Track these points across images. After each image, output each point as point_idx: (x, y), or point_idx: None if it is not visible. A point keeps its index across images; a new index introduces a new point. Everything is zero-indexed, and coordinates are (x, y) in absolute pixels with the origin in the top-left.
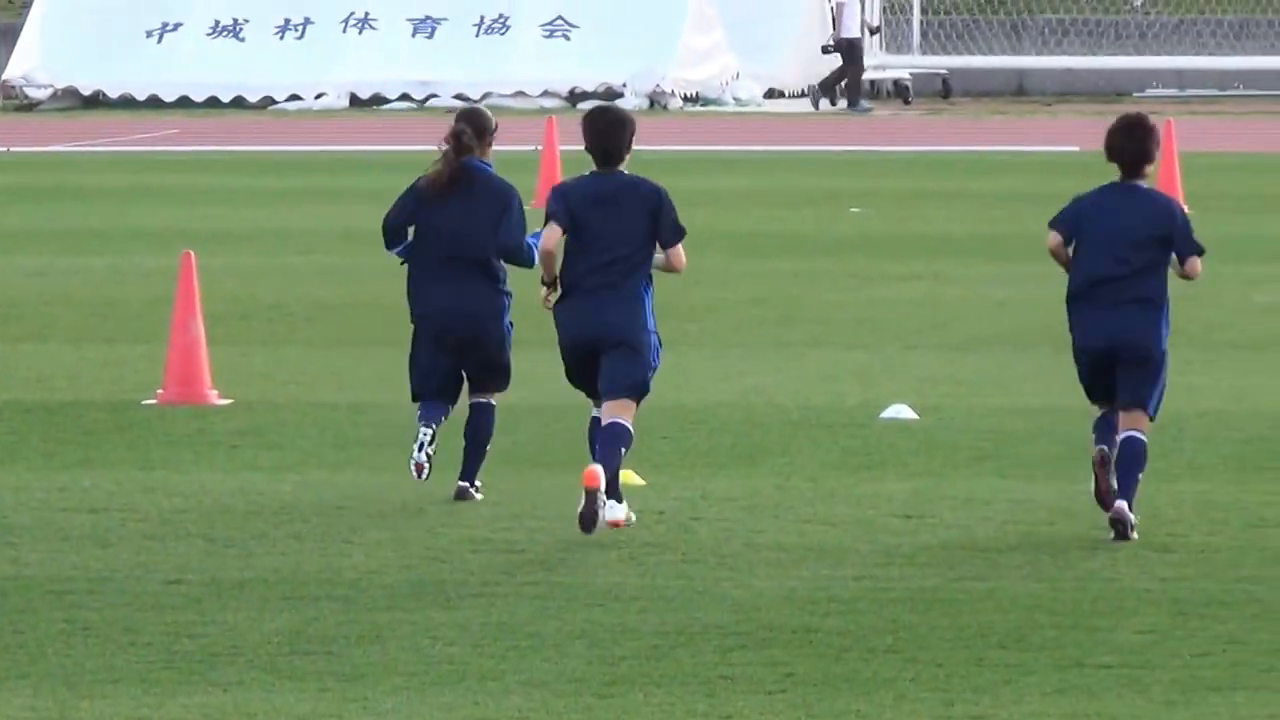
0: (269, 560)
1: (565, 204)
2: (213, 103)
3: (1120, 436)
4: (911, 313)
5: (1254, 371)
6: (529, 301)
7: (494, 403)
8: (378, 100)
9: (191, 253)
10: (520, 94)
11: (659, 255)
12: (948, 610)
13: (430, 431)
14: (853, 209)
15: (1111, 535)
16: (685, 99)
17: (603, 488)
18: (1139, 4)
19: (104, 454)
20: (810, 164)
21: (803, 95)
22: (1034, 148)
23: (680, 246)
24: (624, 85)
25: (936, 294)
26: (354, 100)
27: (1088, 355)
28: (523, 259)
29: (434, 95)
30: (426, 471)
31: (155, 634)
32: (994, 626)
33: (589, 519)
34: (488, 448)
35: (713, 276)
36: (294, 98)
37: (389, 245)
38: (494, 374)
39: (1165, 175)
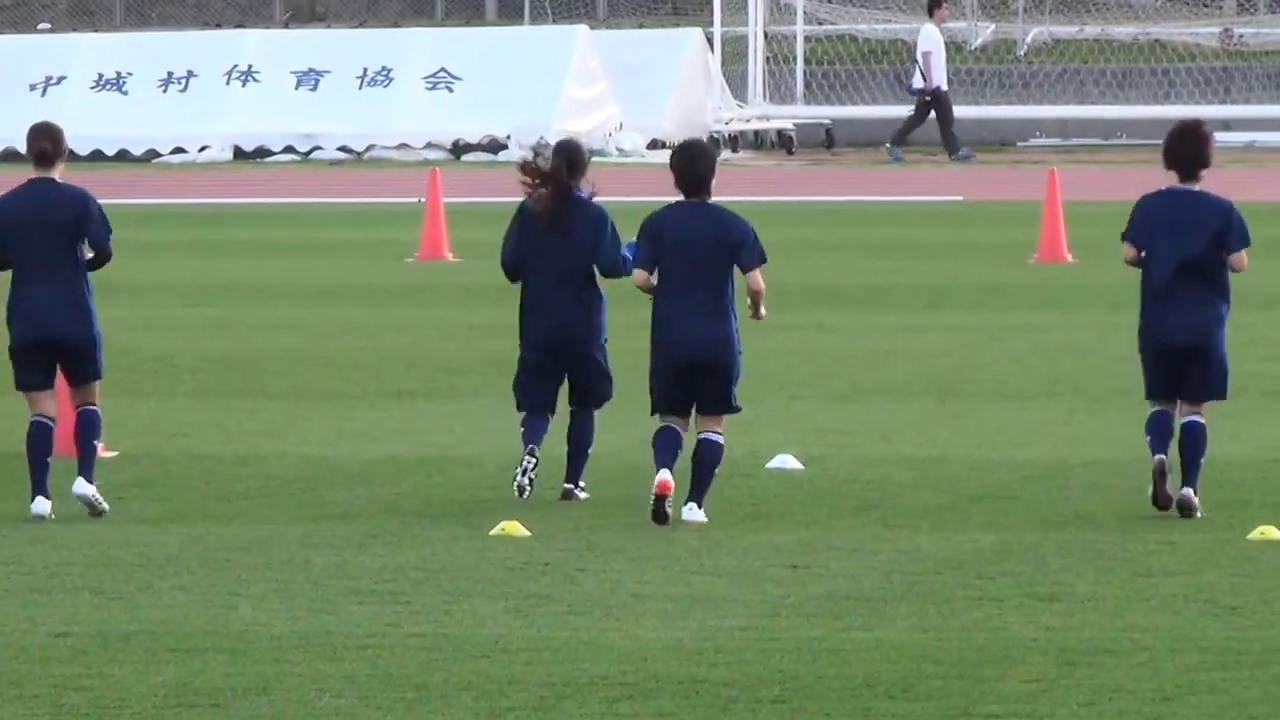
0: (155, 613)
1: None
2: (97, 156)
3: (1182, 421)
4: (795, 363)
5: (1140, 420)
6: (419, 354)
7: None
8: (262, 153)
9: None
10: (404, 146)
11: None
12: (834, 660)
13: (534, 460)
14: None
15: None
16: None
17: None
18: (1022, 53)
19: None
20: None
21: None
22: (918, 197)
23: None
24: (508, 137)
25: (820, 344)
26: (238, 153)
27: (1157, 352)
28: (620, 272)
29: (318, 147)
30: (528, 493)
31: (42, 687)
32: (881, 676)
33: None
34: (589, 451)
35: None
36: (178, 150)
37: (513, 279)
38: (596, 386)
39: (1049, 224)
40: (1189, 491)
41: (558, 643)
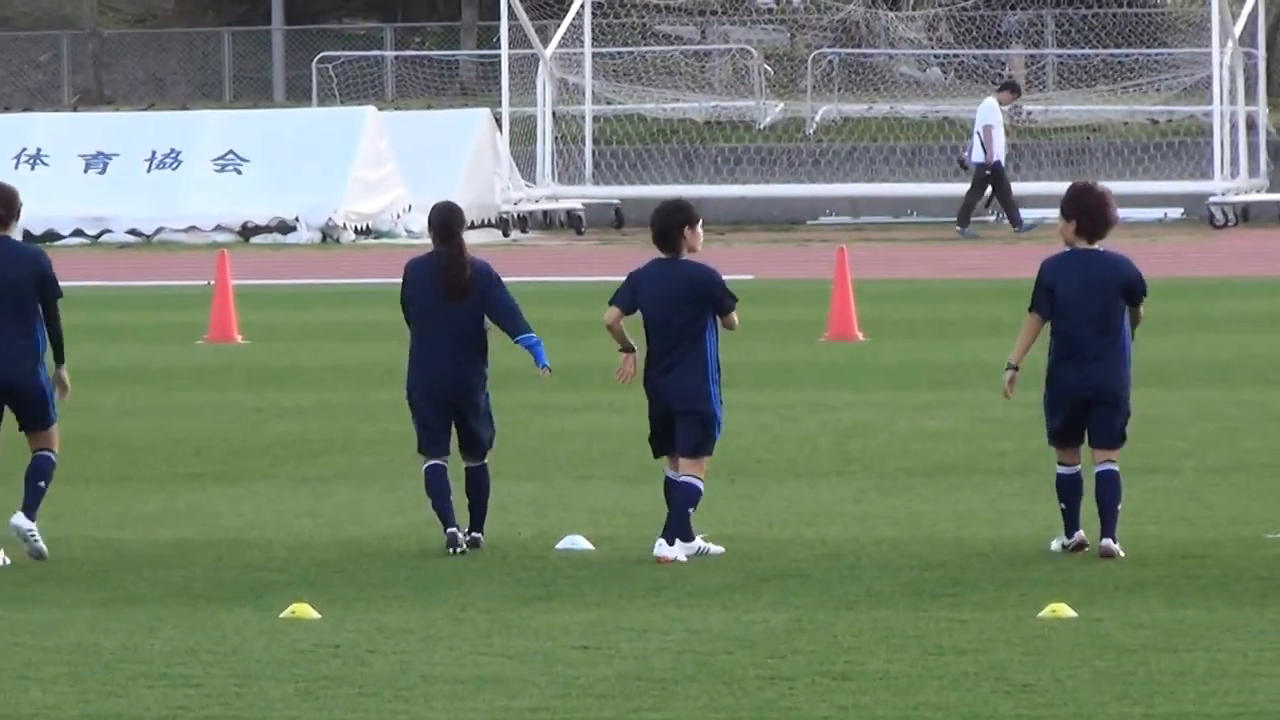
0: None
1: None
2: None
3: (1096, 470)
4: (585, 444)
5: (930, 498)
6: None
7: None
8: (51, 236)
9: None
10: (193, 228)
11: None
12: None
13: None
14: None
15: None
16: (358, 232)
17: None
18: (811, 132)
19: None
20: None
21: (473, 226)
22: None
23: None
24: (296, 219)
25: (609, 424)
26: (27, 236)
27: (1071, 402)
28: (521, 321)
29: (107, 230)
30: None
31: None
32: None
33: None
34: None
35: (385, 410)
36: None
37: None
38: (482, 439)
39: (840, 303)
40: (1109, 542)
41: None
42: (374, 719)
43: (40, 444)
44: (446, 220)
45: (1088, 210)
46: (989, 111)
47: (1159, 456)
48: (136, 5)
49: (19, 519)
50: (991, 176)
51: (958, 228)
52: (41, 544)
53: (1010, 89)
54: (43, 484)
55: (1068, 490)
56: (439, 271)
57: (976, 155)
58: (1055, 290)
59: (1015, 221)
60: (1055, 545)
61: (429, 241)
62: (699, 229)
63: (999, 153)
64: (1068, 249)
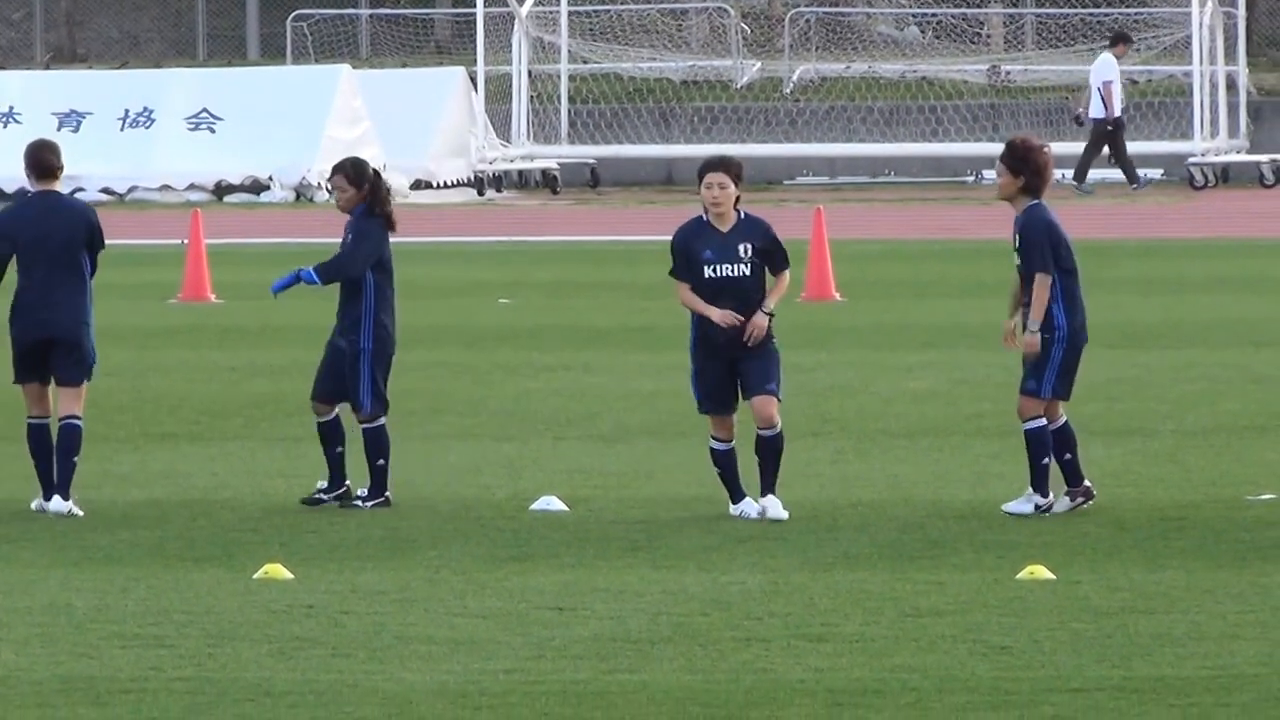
0: None
1: None
2: None
3: (1065, 421)
4: (561, 404)
5: (908, 460)
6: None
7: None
8: (24, 195)
9: None
10: (166, 187)
11: None
12: (600, 703)
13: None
14: (501, 300)
15: (1084, 503)
16: (331, 191)
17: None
18: (789, 91)
19: None
20: (457, 255)
21: (449, 186)
22: None
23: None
24: (270, 178)
25: (585, 385)
26: (0, 195)
27: (1081, 350)
28: None
29: (80, 189)
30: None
31: None
32: (647, 719)
33: None
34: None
35: None
36: None
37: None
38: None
39: (817, 263)
40: (1089, 485)
41: (322, 685)
42: (348, 680)
43: (69, 407)
44: (366, 165)
45: (1038, 168)
46: (1107, 67)
47: (1138, 419)
48: None
49: (57, 505)
50: (1112, 132)
51: (1075, 183)
52: (80, 512)
53: (1123, 40)
54: (75, 459)
55: (1068, 441)
56: (385, 217)
57: (1096, 110)
58: (1062, 242)
59: (1132, 179)
60: (1066, 502)
61: (404, 201)
62: (703, 189)
63: (1118, 108)
64: (1035, 202)
